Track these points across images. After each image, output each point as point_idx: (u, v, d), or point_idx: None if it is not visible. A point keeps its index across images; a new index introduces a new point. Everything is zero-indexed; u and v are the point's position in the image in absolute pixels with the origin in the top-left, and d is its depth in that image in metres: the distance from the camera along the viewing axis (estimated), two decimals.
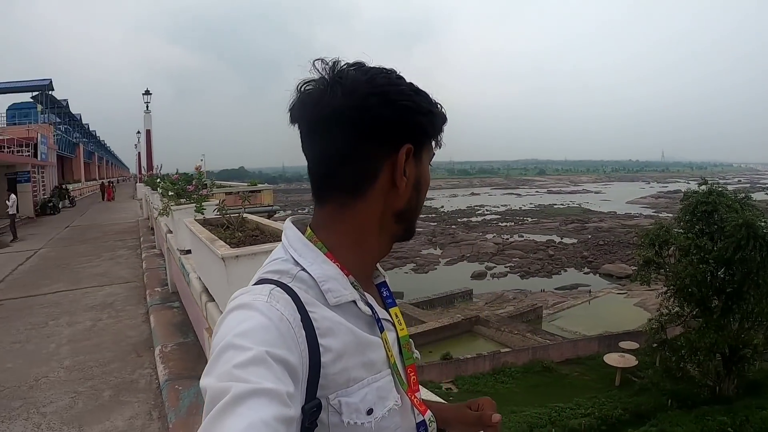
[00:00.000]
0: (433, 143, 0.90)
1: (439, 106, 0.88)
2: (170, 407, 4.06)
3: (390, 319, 0.91)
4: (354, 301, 0.83)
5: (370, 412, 0.78)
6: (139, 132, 44.19)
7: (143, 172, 33.98)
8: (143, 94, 29.60)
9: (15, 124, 34.86)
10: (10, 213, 18.70)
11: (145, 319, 7.08)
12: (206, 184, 7.05)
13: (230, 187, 23.07)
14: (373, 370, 0.81)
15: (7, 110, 37.91)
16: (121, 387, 4.96)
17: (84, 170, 55.08)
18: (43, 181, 32.33)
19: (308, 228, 0.88)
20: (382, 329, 0.86)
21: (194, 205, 5.88)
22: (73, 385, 5.11)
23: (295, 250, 0.84)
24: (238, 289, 0.79)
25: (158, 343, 5.51)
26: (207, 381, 0.64)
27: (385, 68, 0.84)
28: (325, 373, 0.74)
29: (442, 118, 0.89)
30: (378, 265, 0.96)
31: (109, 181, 47.83)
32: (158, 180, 12.65)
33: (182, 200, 6.50)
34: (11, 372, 5.59)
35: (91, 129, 65.63)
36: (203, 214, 5.62)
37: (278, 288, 0.76)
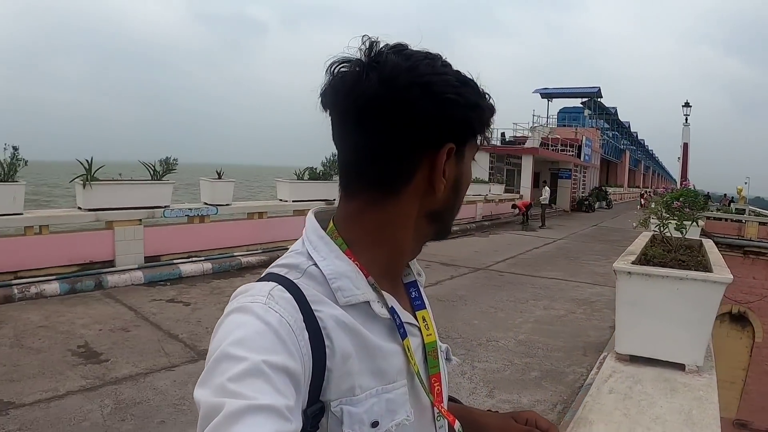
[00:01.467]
0: (479, 138, 0.80)
1: (487, 96, 0.77)
2: (573, 409, 4.08)
3: (415, 323, 0.83)
4: (368, 303, 0.75)
5: (375, 424, 0.71)
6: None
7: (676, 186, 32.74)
8: (683, 106, 28.37)
9: (564, 125, 38.64)
10: (543, 203, 21.13)
11: (613, 325, 6.95)
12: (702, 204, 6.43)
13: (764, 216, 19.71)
14: (384, 379, 0.73)
15: (558, 113, 42.61)
16: (548, 373, 5.22)
17: (628, 176, 56.71)
18: (583, 180, 35.07)
19: (331, 221, 0.81)
20: (404, 335, 0.77)
21: (675, 222, 5.69)
22: (512, 356, 5.66)
23: (310, 243, 0.78)
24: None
25: (609, 350, 5.34)
26: (200, 393, 0.60)
27: (429, 53, 0.74)
28: (329, 376, 0.69)
29: (491, 111, 0.78)
30: (413, 265, 0.89)
31: (647, 191, 47.89)
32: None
33: (667, 215, 6.16)
34: (474, 328, 6.63)
35: (639, 138, 66.75)
36: (683, 232, 5.51)
37: (279, 286, 0.71)
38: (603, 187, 38.61)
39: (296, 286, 0.71)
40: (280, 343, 0.64)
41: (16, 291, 7.18)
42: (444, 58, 0.75)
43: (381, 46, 0.73)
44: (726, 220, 19.56)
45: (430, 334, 0.85)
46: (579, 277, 10.28)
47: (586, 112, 40.79)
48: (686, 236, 5.53)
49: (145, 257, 8.89)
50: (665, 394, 4.25)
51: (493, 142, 29.22)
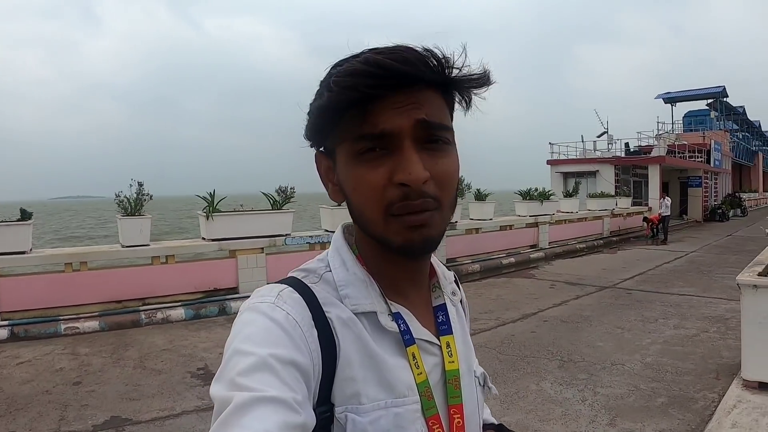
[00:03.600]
0: (350, 124, 0.68)
1: (342, 71, 0.67)
2: None
3: (435, 341, 0.79)
4: (375, 313, 0.74)
5: None
6: None
7: None
8: None
9: (691, 130, 35.94)
10: (663, 214, 19.33)
11: None
12: None
13: None
14: (393, 393, 0.71)
15: (683, 117, 39.72)
16: (676, 400, 4.77)
17: (763, 180, 52.02)
18: (715, 188, 32.42)
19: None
20: (410, 343, 0.75)
21: None
22: (638, 380, 5.23)
23: (333, 249, 0.80)
24: None
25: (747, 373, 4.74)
26: (214, 389, 0.62)
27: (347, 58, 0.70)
28: (336, 377, 0.69)
29: (344, 90, 0.66)
30: (448, 285, 0.86)
31: None
32: None
33: None
34: (598, 350, 6.24)
35: None
36: None
37: (290, 288, 0.73)
38: (736, 194, 35.59)
39: (309, 289, 0.73)
40: (288, 338, 0.65)
41: (143, 316, 7.75)
42: (366, 52, 0.68)
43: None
44: None
45: (453, 362, 0.80)
46: (712, 293, 9.47)
47: (713, 113, 37.85)
48: None
49: (267, 283, 9.18)
50: None
51: (617, 154, 27.85)
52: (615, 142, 29.51)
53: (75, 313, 7.63)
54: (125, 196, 8.36)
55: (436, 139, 0.69)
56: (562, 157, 27.46)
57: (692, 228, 24.60)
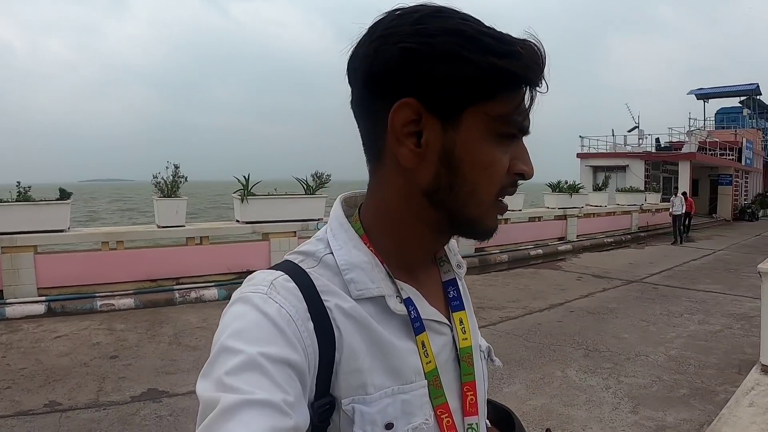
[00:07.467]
0: (504, 103, 0.64)
1: (505, 45, 0.62)
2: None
3: (445, 321, 0.76)
4: (384, 297, 0.69)
5: (389, 426, 0.67)
6: None
7: None
8: None
9: (723, 128, 35.24)
10: (675, 213, 17.59)
11: None
12: None
13: None
14: (399, 379, 0.68)
15: (716, 114, 38.83)
16: (698, 392, 4.86)
17: None
18: (746, 186, 31.82)
19: (357, 207, 0.77)
20: (419, 331, 0.71)
21: None
22: (661, 372, 5.33)
23: (331, 229, 0.74)
24: None
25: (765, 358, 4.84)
26: (200, 387, 0.59)
27: (428, 7, 0.65)
28: (338, 369, 0.65)
29: (500, 69, 0.61)
30: (453, 257, 0.82)
31: None
32: None
33: None
34: (623, 342, 6.35)
35: None
36: None
37: (285, 275, 0.67)
38: (767, 194, 34.86)
39: (306, 275, 0.68)
40: (279, 334, 0.61)
41: (177, 295, 8.01)
42: (457, 10, 0.65)
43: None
44: None
45: (466, 339, 0.77)
46: (738, 291, 9.45)
47: (745, 111, 36.97)
48: None
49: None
50: None
51: (647, 149, 27.47)
52: (646, 137, 29.11)
53: (111, 290, 7.92)
54: (162, 178, 8.59)
55: None
56: (593, 151, 27.24)
57: (721, 227, 24.21)
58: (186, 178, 8.84)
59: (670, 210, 17.95)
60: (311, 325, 0.64)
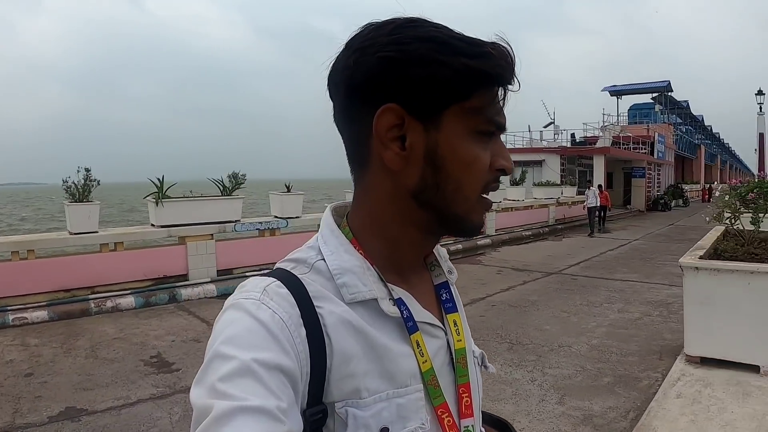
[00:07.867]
0: (480, 101, 0.67)
1: (473, 50, 0.65)
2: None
3: (438, 324, 0.76)
4: (377, 300, 0.70)
5: (384, 431, 0.67)
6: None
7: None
8: (756, 94, 26.82)
9: (636, 123, 37.18)
10: (589, 206, 17.97)
11: None
12: None
13: None
14: (394, 383, 0.69)
15: (629, 110, 40.97)
16: (621, 379, 4.97)
17: (704, 172, 54.24)
18: (658, 179, 33.67)
19: (346, 214, 0.79)
20: (413, 330, 0.72)
21: (750, 214, 5.59)
22: (584, 361, 5.44)
23: (322, 236, 0.76)
24: None
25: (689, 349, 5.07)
26: (194, 394, 0.59)
27: (400, 19, 0.68)
28: (330, 377, 0.65)
29: (473, 70, 0.65)
30: (444, 263, 0.83)
31: (708, 185, 45.68)
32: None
33: (740, 208, 5.97)
34: (546, 334, 6.44)
35: (714, 131, 63.52)
36: (758, 224, 5.36)
37: (277, 282, 0.68)
38: (679, 185, 37.07)
39: (299, 282, 0.69)
40: (272, 340, 0.61)
41: (92, 305, 7.56)
42: (431, 20, 0.68)
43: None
44: None
45: (461, 340, 0.79)
46: (655, 279, 9.88)
47: (657, 107, 39.25)
48: (761, 229, 5.32)
49: (217, 271, 9.13)
50: (737, 399, 4.02)
51: (563, 144, 28.52)
52: (561, 133, 30.34)
53: (23, 302, 7.36)
54: (73, 182, 8.08)
55: None
56: (509, 146, 28.04)
57: (635, 217, 25.47)
58: (98, 182, 8.36)
59: (585, 203, 18.44)
60: (303, 331, 0.64)
